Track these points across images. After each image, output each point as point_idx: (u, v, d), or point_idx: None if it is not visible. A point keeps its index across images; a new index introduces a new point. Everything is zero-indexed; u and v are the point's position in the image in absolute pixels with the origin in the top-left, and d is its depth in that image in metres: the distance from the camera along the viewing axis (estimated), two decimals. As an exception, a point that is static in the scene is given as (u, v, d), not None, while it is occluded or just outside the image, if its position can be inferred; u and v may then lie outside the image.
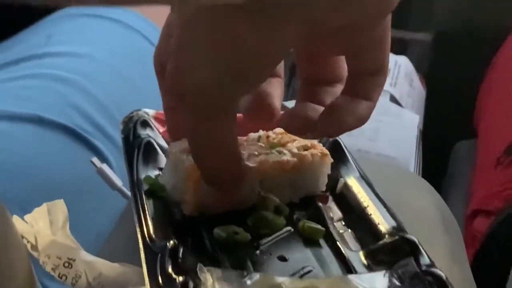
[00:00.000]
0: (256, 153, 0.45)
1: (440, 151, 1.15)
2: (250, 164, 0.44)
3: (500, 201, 0.85)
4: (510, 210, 0.82)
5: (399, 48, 1.25)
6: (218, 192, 0.42)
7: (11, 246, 0.40)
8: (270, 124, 0.44)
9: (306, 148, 0.47)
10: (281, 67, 0.45)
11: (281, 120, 0.43)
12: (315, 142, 0.48)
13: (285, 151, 0.46)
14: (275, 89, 0.43)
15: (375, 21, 0.38)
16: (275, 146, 0.46)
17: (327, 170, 0.47)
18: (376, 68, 0.41)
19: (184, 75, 0.36)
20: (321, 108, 0.42)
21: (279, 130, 0.48)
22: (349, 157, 0.50)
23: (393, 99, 1.02)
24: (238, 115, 0.44)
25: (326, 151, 0.47)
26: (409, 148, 0.93)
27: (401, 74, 1.08)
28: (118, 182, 0.63)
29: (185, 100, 0.37)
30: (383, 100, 0.96)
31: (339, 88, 0.43)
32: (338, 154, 0.50)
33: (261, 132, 0.48)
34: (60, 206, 0.46)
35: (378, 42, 0.40)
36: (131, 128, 0.52)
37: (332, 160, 0.47)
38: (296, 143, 0.47)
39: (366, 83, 0.41)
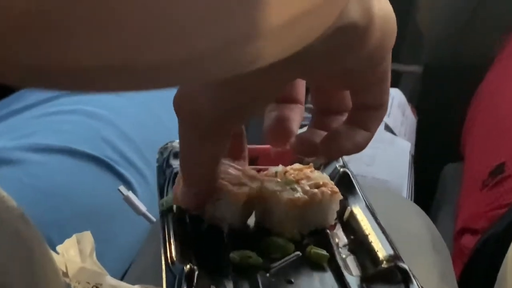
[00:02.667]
0: (271, 190, 0.46)
1: (430, 173, 1.15)
2: (236, 190, 0.45)
3: (485, 220, 0.85)
4: (495, 229, 0.82)
5: (392, 80, 1.25)
6: (188, 194, 0.44)
7: (48, 273, 0.41)
8: (284, 145, 0.46)
9: (318, 186, 0.47)
10: (302, 95, 0.46)
11: (292, 144, 0.45)
12: (327, 180, 0.48)
13: (298, 188, 0.47)
14: (295, 114, 0.45)
15: (371, 68, 0.39)
16: (290, 183, 0.47)
17: (336, 206, 0.48)
18: (376, 104, 0.42)
19: (185, 99, 0.38)
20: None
21: (296, 166, 0.49)
22: (357, 188, 0.51)
23: (387, 128, 1.02)
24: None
25: (336, 189, 0.47)
26: (402, 172, 0.94)
27: (394, 105, 1.09)
28: (143, 207, 0.64)
29: (181, 119, 0.39)
30: (379, 129, 0.96)
31: (346, 116, 0.44)
32: (347, 185, 0.51)
33: (280, 168, 0.49)
34: (87, 237, 0.48)
35: (378, 81, 0.41)
36: (165, 158, 0.54)
37: (341, 197, 0.47)
38: (309, 181, 0.48)
39: (366, 116, 0.42)
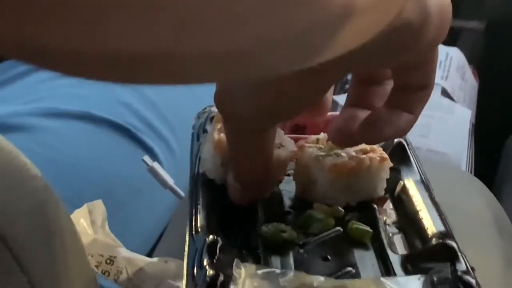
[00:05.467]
0: (313, 156, 0.47)
1: (493, 144, 1.15)
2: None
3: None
4: None
5: (450, 37, 1.24)
6: (241, 191, 0.46)
7: (70, 247, 0.43)
8: (321, 118, 0.47)
9: (365, 152, 0.48)
10: None
11: (327, 132, 0.47)
12: (375, 146, 0.49)
13: (343, 154, 0.47)
14: None
15: (422, 56, 0.40)
16: (334, 149, 0.48)
17: (385, 175, 0.48)
18: (422, 84, 0.42)
19: (225, 100, 0.40)
20: (366, 114, 0.44)
21: None
22: (412, 160, 0.51)
23: (445, 93, 1.02)
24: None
25: (386, 156, 0.48)
26: (461, 144, 0.94)
27: (452, 66, 1.09)
28: (170, 180, 0.66)
29: (223, 117, 0.42)
30: (434, 94, 0.96)
31: (389, 86, 0.45)
32: (402, 156, 0.51)
33: (321, 135, 0.50)
34: (99, 206, 0.51)
35: (426, 61, 0.42)
36: (201, 123, 0.55)
37: (391, 165, 0.48)
38: (356, 147, 0.48)
39: (409, 98, 0.43)
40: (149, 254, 0.70)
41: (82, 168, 0.70)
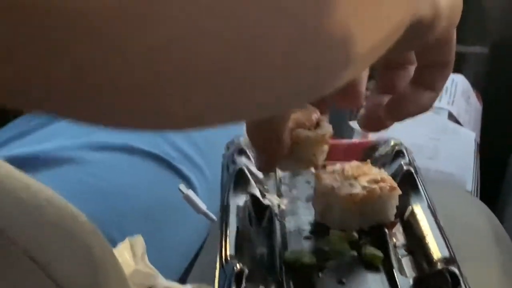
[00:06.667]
0: (330, 186, 0.51)
1: (497, 163, 1.17)
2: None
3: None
4: None
5: (454, 62, 1.27)
6: (259, 158, 0.49)
7: (111, 278, 0.46)
8: (355, 105, 0.48)
9: (376, 181, 0.51)
10: None
11: (359, 123, 0.49)
12: (385, 175, 0.52)
13: (356, 184, 0.51)
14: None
15: (437, 39, 0.42)
16: (348, 179, 0.52)
17: (395, 202, 0.52)
18: (442, 61, 0.44)
19: None
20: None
21: (354, 163, 0.54)
22: (420, 187, 0.55)
23: (451, 117, 1.06)
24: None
25: (395, 185, 0.51)
26: (467, 164, 0.97)
27: (458, 92, 1.12)
28: (203, 206, 0.70)
29: None
30: (441, 119, 1.01)
31: (411, 69, 0.47)
32: (410, 183, 0.55)
33: (337, 166, 0.53)
34: (139, 241, 0.55)
35: (445, 40, 0.43)
36: (231, 155, 0.58)
37: (400, 193, 0.51)
38: (368, 177, 0.52)
39: (431, 75, 0.44)
40: (186, 272, 0.74)
41: (125, 195, 0.75)
